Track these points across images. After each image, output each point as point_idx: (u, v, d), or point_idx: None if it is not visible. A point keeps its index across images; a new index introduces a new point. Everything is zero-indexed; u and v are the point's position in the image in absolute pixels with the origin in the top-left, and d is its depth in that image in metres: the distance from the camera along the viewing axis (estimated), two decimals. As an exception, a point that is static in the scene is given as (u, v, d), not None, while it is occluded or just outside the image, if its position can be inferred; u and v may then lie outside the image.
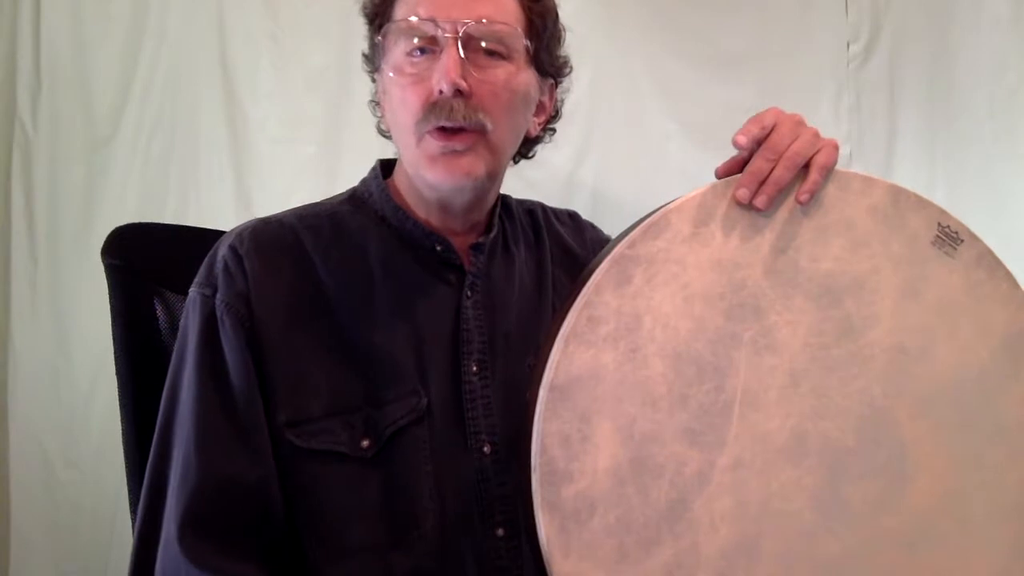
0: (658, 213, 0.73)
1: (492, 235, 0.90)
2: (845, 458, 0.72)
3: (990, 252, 0.77)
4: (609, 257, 0.71)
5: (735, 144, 0.73)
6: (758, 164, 0.72)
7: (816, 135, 0.74)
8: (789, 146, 0.72)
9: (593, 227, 1.04)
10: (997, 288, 0.76)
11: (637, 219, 0.75)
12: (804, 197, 0.72)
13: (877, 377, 0.74)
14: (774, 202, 0.72)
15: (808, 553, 0.71)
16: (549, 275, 0.94)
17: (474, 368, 0.83)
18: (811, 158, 0.72)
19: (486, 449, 0.82)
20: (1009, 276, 0.77)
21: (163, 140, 1.54)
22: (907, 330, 0.75)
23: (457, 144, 0.78)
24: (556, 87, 0.91)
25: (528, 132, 0.88)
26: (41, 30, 1.52)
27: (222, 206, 1.52)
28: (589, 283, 0.70)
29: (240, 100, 1.53)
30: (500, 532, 0.81)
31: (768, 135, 0.72)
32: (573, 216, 1.03)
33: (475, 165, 0.79)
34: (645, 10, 1.50)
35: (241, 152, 1.53)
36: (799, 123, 0.74)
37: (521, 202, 0.99)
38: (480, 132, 0.79)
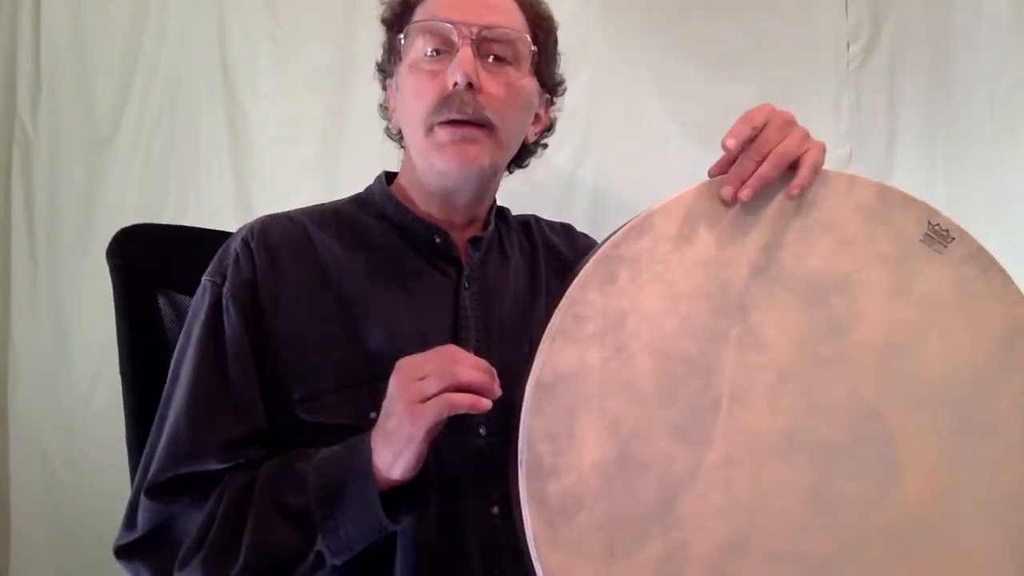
0: (643, 214, 0.73)
1: (489, 231, 0.94)
2: (836, 455, 0.72)
3: (983, 250, 0.76)
4: (594, 257, 0.72)
5: (724, 147, 0.73)
6: (745, 164, 0.72)
7: (806, 135, 0.75)
8: (777, 145, 0.72)
9: (586, 236, 1.08)
10: (990, 285, 0.76)
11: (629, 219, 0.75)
12: (795, 191, 0.73)
13: (866, 374, 0.74)
14: (758, 196, 0.72)
15: (799, 550, 0.71)
16: (543, 278, 0.97)
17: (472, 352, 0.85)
18: (800, 157, 0.73)
19: (482, 431, 0.84)
20: (1003, 273, 0.77)
21: (163, 140, 1.54)
22: (896, 327, 0.74)
23: (467, 132, 0.84)
24: (551, 104, 0.99)
25: (526, 138, 0.95)
26: (41, 30, 1.52)
27: (222, 206, 1.52)
28: (575, 282, 0.71)
29: (240, 100, 1.53)
30: (495, 510, 0.83)
31: (757, 135, 0.73)
32: (566, 226, 1.08)
33: (481, 155, 0.85)
34: (645, 10, 1.50)
35: (241, 152, 1.53)
36: (789, 122, 0.74)
37: (517, 216, 1.04)
38: (487, 127, 0.85)
